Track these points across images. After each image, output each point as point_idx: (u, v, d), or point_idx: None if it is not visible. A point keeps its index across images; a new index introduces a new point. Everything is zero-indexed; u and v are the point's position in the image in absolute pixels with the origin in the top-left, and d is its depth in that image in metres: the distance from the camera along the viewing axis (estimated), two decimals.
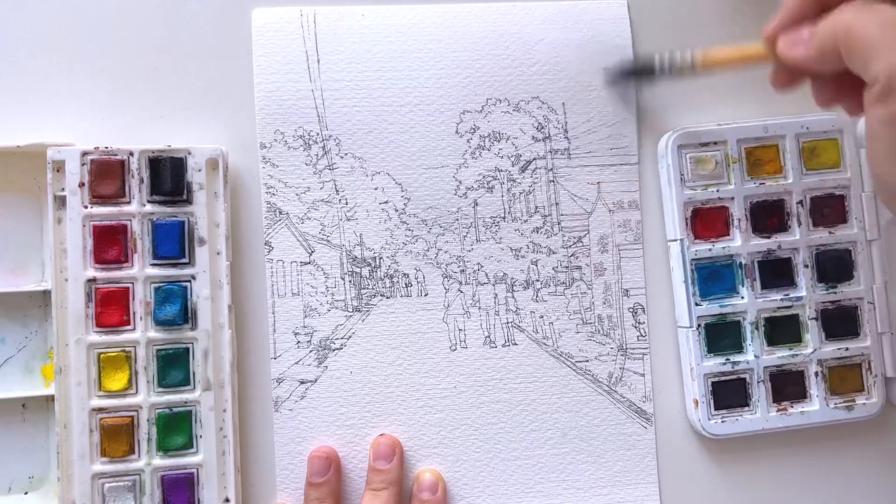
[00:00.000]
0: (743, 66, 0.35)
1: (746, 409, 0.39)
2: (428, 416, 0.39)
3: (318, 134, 0.40)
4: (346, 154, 0.40)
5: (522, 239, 0.41)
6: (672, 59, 0.37)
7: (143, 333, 0.36)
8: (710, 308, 0.39)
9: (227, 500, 0.36)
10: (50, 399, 0.36)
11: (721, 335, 0.40)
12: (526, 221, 0.41)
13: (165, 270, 0.37)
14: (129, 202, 0.37)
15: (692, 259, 0.40)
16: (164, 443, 0.36)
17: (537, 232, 0.41)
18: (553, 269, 0.41)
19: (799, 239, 0.40)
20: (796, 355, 0.40)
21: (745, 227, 0.40)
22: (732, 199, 0.40)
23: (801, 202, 0.40)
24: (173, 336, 0.36)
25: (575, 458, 0.40)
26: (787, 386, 0.40)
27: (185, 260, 0.37)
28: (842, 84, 0.32)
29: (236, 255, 0.39)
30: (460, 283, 0.40)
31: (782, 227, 0.40)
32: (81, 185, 0.36)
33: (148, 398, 0.36)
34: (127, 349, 0.36)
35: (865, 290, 0.40)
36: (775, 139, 0.41)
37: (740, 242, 0.40)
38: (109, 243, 0.36)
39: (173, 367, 0.36)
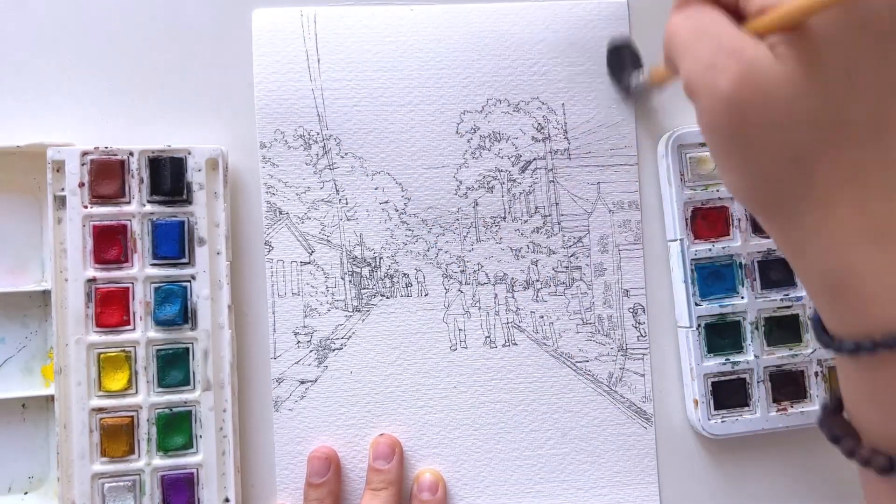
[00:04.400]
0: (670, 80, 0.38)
1: (746, 409, 0.39)
2: (428, 416, 0.39)
3: (318, 134, 0.40)
4: (346, 154, 0.40)
5: (523, 239, 0.41)
6: (637, 81, 0.39)
7: (142, 333, 0.36)
8: (710, 308, 0.39)
9: (227, 500, 0.36)
10: (50, 399, 0.36)
11: (721, 335, 0.40)
12: (526, 222, 0.41)
13: (165, 270, 0.37)
14: (128, 202, 0.37)
15: (692, 259, 0.40)
16: (163, 443, 0.36)
17: (537, 232, 0.41)
18: (553, 269, 0.41)
19: None
20: (796, 355, 0.40)
21: (745, 227, 0.40)
22: (732, 198, 0.40)
23: None
24: (173, 336, 0.36)
25: (575, 458, 0.40)
26: (787, 386, 0.39)
27: (185, 260, 0.37)
28: None
29: (236, 254, 0.39)
30: (460, 283, 0.40)
31: None
32: (81, 185, 0.36)
33: (148, 398, 0.36)
34: (127, 349, 0.36)
35: None
36: None
37: (740, 242, 0.40)
38: (109, 243, 0.36)
39: (173, 367, 0.36)
